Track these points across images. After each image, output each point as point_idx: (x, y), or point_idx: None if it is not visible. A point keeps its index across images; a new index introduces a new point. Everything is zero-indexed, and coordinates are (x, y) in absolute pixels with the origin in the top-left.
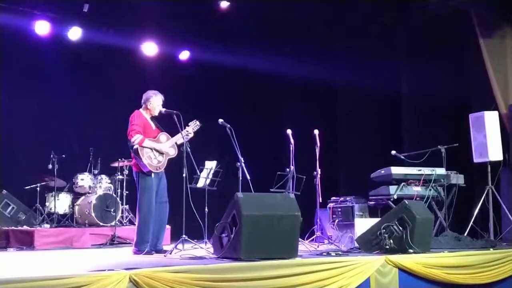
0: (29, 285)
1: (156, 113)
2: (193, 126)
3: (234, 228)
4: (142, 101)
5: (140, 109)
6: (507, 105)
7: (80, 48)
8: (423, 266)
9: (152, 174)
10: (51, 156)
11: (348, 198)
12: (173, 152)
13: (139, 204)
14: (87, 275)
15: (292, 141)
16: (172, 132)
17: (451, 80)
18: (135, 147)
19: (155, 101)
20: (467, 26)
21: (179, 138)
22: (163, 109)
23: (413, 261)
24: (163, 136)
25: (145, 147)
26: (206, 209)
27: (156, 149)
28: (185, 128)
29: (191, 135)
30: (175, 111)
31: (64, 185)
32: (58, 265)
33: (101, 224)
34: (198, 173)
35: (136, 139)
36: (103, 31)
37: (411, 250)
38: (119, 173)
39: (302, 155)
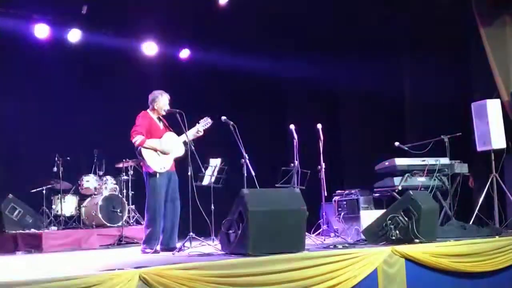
0: (40, 287)
1: (163, 113)
2: (204, 124)
3: (241, 224)
4: (149, 101)
5: (148, 110)
6: (509, 93)
7: (80, 50)
8: (430, 256)
9: (157, 174)
10: (56, 159)
11: (353, 191)
12: (180, 151)
13: (147, 204)
14: (97, 275)
15: (295, 136)
16: (182, 131)
17: (453, 69)
18: (138, 148)
19: (161, 101)
20: (468, 15)
21: (185, 137)
22: (166, 109)
23: (420, 250)
24: (168, 135)
25: (147, 148)
26: (212, 207)
27: (158, 150)
28: (195, 125)
29: (201, 133)
30: (178, 110)
31: (69, 187)
32: (68, 266)
33: (108, 224)
34: (203, 171)
35: (136, 140)
36: (103, 32)
37: (417, 240)
38: (124, 174)
39: (306, 149)
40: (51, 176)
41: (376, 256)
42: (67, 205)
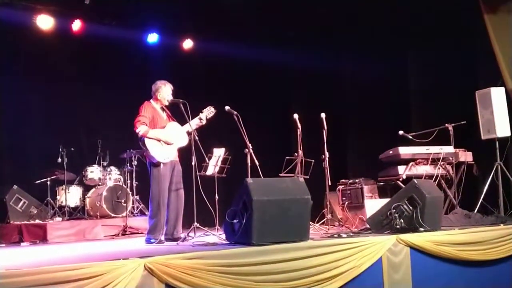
0: (46, 277)
1: (166, 103)
2: (207, 113)
3: (245, 214)
4: (152, 91)
5: (151, 100)
6: None
7: (84, 40)
8: (434, 244)
9: (161, 164)
10: (60, 149)
11: (357, 180)
12: (183, 141)
13: (151, 193)
14: (102, 265)
15: (299, 125)
16: (185, 121)
17: (457, 57)
18: (142, 139)
19: (164, 91)
20: (472, 2)
21: (188, 127)
22: (170, 99)
23: (424, 239)
24: (172, 125)
25: (151, 138)
26: (216, 196)
27: (161, 140)
28: (199, 114)
29: (204, 121)
30: (181, 100)
31: (74, 178)
32: (73, 257)
33: (112, 215)
34: (207, 161)
35: (140, 130)
36: (106, 23)
37: (421, 229)
38: (128, 164)
39: (309, 139)
40: (55, 167)
41: (380, 245)
42: (72, 196)
